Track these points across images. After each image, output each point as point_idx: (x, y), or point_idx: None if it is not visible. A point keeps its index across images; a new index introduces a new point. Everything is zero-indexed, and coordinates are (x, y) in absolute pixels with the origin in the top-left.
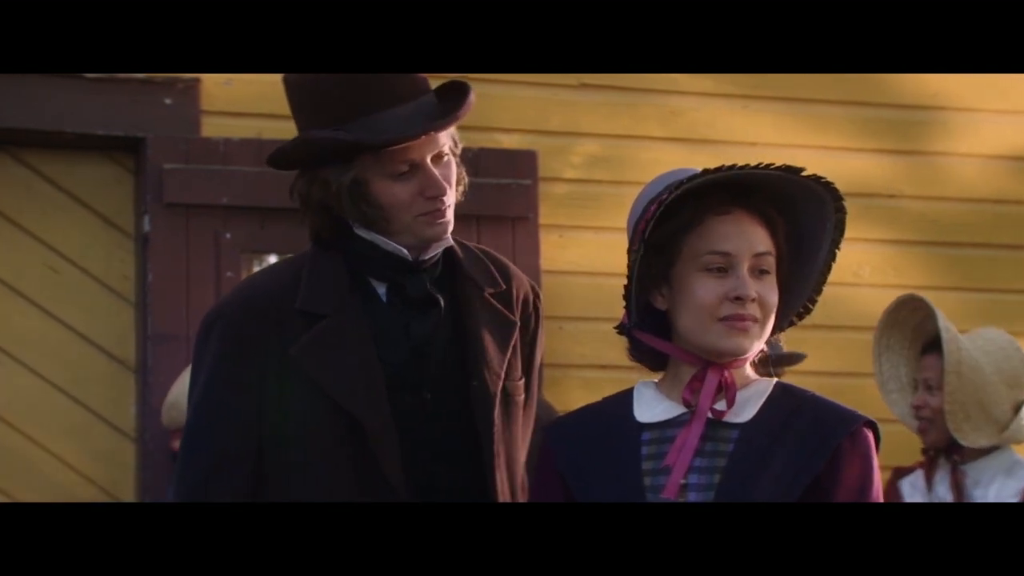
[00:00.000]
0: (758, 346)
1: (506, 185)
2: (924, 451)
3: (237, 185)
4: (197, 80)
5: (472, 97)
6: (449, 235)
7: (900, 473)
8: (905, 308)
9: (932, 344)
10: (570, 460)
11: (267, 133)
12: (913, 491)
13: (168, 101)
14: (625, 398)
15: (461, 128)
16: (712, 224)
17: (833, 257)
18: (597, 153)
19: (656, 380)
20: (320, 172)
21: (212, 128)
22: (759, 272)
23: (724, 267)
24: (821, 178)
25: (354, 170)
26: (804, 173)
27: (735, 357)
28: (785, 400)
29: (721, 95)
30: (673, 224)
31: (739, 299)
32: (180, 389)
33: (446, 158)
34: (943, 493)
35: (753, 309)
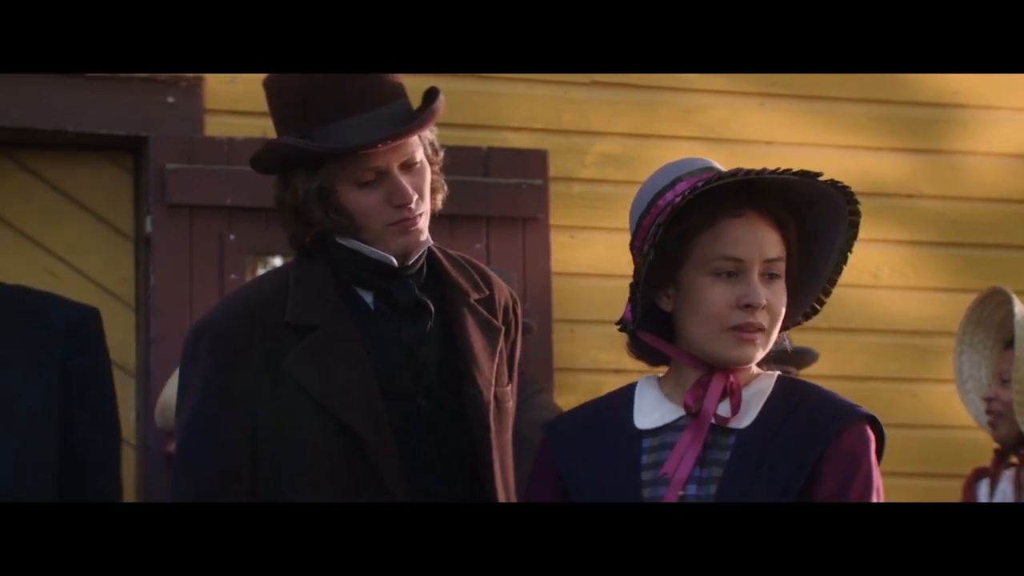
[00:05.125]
0: (764, 353)
1: (516, 185)
2: (996, 450)
3: (241, 185)
4: (200, 79)
5: (438, 104)
6: (423, 241)
7: (979, 473)
8: (990, 303)
9: (1011, 340)
10: (567, 457)
11: (271, 132)
12: (986, 493)
13: (171, 100)
14: (626, 397)
15: (470, 127)
16: (724, 227)
17: (844, 259)
18: (609, 152)
19: (660, 376)
20: (292, 178)
21: (216, 127)
22: (769, 276)
23: (734, 272)
24: (837, 183)
25: (319, 178)
26: (821, 178)
27: (741, 366)
28: (784, 398)
29: (736, 93)
30: (684, 225)
31: (749, 306)
32: (172, 390)
33: (417, 165)
34: (1005, 489)
35: (762, 317)
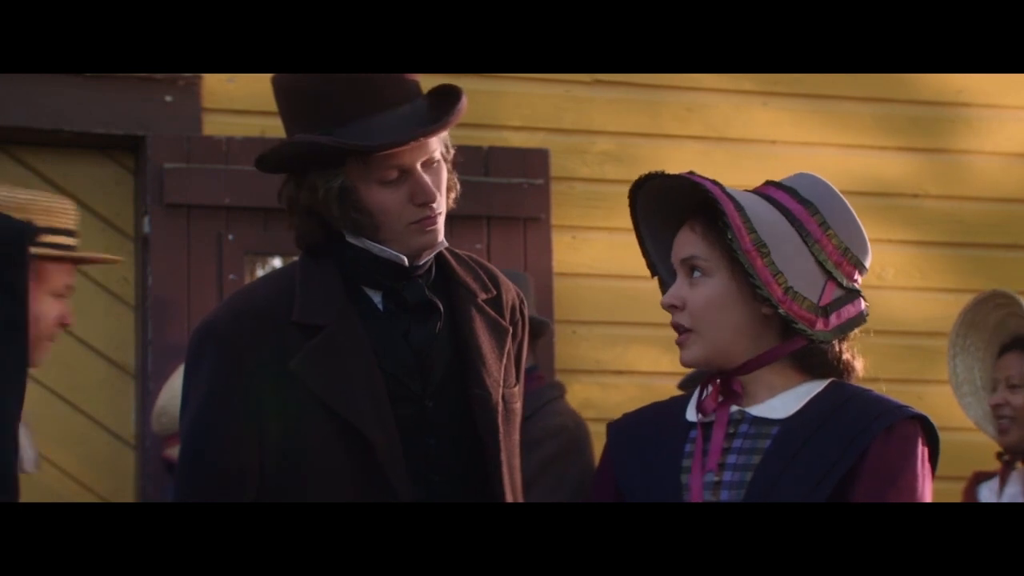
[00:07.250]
0: (705, 352)
1: (517, 185)
2: (1000, 455)
3: (240, 185)
4: (198, 78)
5: (463, 102)
6: (440, 242)
7: (980, 477)
8: (987, 305)
9: (1013, 343)
10: (623, 450)
11: (270, 131)
12: (991, 496)
13: (169, 99)
14: (688, 396)
15: (471, 126)
16: None
17: (739, 247)
18: (611, 152)
19: None
20: (308, 177)
21: (214, 126)
22: (692, 273)
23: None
24: (688, 176)
25: (342, 176)
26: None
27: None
28: (833, 396)
29: (739, 91)
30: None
31: (665, 308)
32: (169, 394)
33: (436, 164)
34: (1013, 493)
35: (680, 316)
